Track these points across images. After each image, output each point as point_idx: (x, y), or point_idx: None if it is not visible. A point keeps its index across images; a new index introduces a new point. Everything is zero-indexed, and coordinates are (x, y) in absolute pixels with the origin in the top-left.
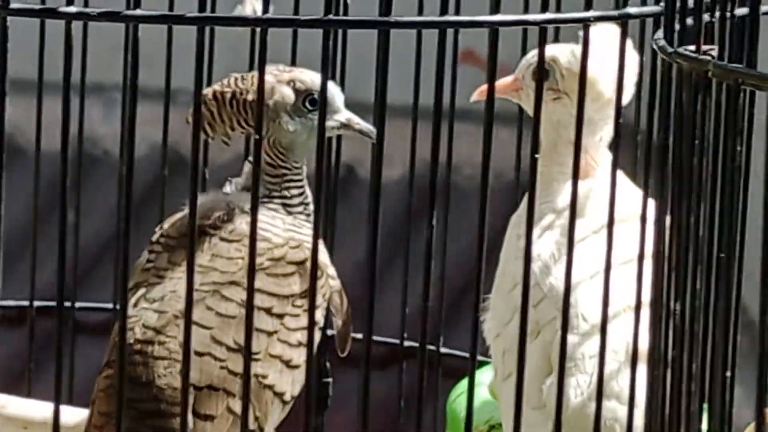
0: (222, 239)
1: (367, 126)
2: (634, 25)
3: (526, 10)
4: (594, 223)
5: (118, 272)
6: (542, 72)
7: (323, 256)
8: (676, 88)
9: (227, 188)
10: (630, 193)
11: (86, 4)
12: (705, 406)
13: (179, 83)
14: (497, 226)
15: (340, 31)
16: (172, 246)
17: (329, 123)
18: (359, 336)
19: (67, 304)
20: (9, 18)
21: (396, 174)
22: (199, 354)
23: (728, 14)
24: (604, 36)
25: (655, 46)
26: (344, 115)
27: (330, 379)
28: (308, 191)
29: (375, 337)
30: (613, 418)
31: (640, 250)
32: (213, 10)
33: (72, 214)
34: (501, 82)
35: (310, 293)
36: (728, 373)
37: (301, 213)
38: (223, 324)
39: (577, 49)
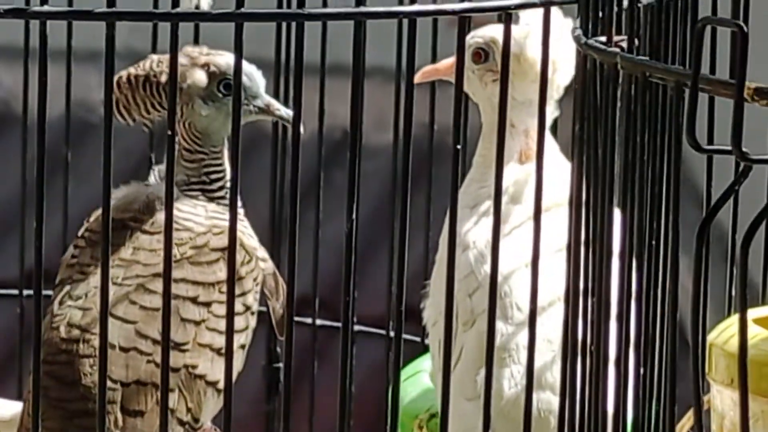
0: (143, 231)
1: (287, 111)
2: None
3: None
4: (531, 209)
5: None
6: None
7: (251, 240)
8: (589, 78)
9: (150, 177)
10: (569, 177)
11: None
12: None
13: None
14: None
15: None
16: (95, 241)
17: (246, 107)
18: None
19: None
20: None
21: (389, 137)
22: (125, 349)
23: (637, 4)
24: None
25: (571, 37)
26: (263, 100)
27: (280, 364)
28: (229, 175)
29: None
30: (547, 410)
31: (570, 237)
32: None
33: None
34: (442, 64)
35: (229, 279)
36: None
37: (222, 198)
38: (148, 317)
39: (517, 30)
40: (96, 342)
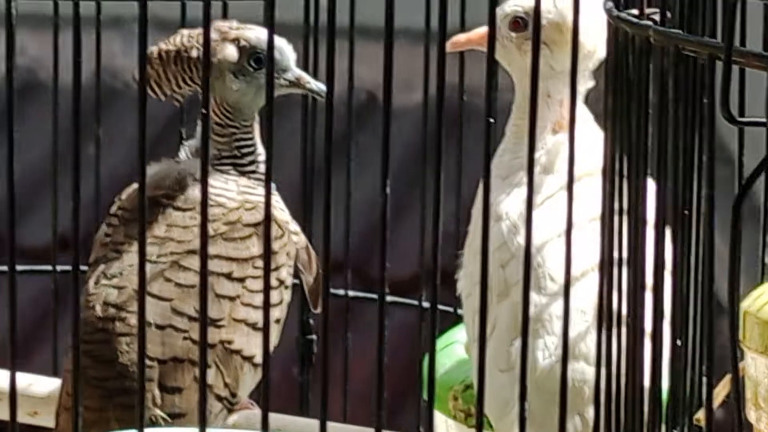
0: (176, 208)
1: (318, 84)
2: None
3: None
4: (564, 179)
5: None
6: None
7: (283, 214)
8: (621, 51)
9: (181, 153)
10: (602, 147)
11: None
12: None
13: None
14: None
15: None
16: (127, 219)
17: (277, 81)
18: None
19: None
20: None
21: (415, 99)
22: (161, 327)
23: None
24: None
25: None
26: (294, 73)
27: (314, 336)
28: (261, 149)
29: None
30: (581, 380)
31: (604, 208)
32: None
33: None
34: (475, 33)
35: (266, 254)
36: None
37: (254, 172)
38: (183, 294)
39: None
40: (132, 320)
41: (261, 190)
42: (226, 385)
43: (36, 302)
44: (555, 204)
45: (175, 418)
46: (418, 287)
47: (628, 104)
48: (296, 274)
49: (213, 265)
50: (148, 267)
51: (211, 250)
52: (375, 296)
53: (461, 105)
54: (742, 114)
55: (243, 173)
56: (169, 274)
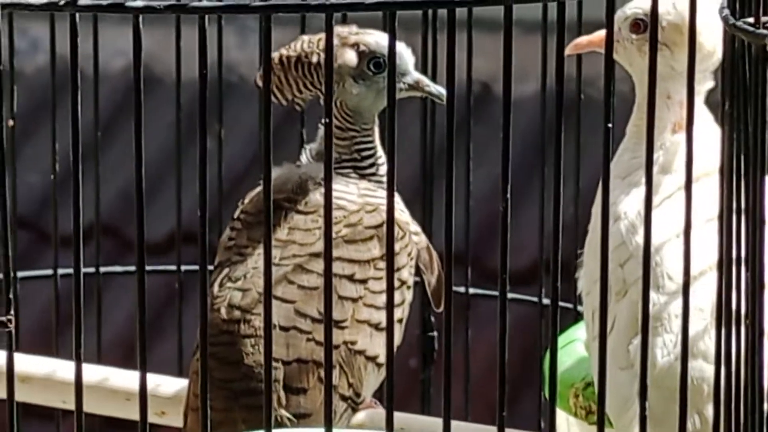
0: (298, 212)
1: (437, 88)
2: None
3: None
4: (682, 179)
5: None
6: (611, 35)
7: (403, 215)
8: (737, 58)
9: (302, 157)
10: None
11: None
12: None
13: None
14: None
15: None
16: (250, 222)
17: (397, 85)
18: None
19: None
20: None
21: (530, 89)
22: (285, 329)
23: None
24: None
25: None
26: (413, 77)
27: (435, 333)
28: (381, 152)
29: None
30: (700, 378)
31: (722, 206)
32: None
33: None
34: (596, 35)
35: (388, 255)
36: None
37: (374, 175)
38: (306, 296)
39: (680, 1)
40: (257, 322)
41: (381, 193)
42: (350, 385)
43: (157, 299)
44: (673, 204)
45: (301, 418)
46: (536, 277)
47: (745, 110)
48: (418, 272)
49: (335, 268)
50: (272, 269)
51: (334, 252)
52: (495, 293)
53: (579, 97)
54: None
55: (363, 176)
56: (292, 277)
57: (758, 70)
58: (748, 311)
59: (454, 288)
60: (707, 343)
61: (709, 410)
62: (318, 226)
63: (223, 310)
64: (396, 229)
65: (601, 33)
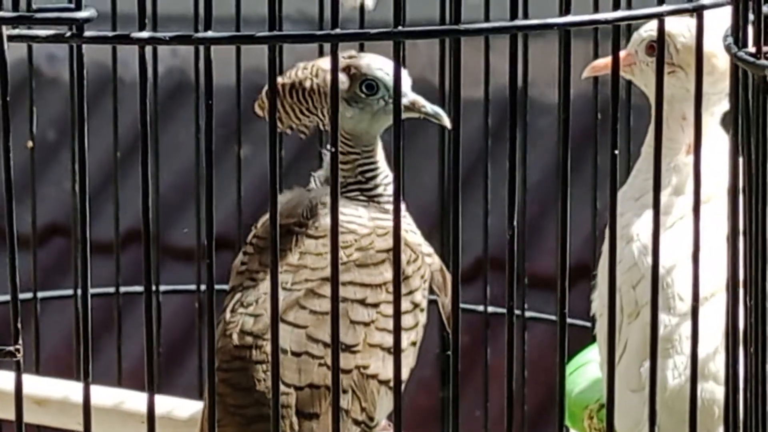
0: (308, 236)
1: (434, 108)
2: None
3: (596, 9)
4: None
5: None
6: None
7: (415, 236)
8: (741, 87)
9: (311, 184)
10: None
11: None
12: None
13: None
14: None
15: None
16: (262, 247)
17: (392, 107)
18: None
19: None
20: None
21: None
22: (297, 354)
23: None
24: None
25: (723, 45)
26: (409, 97)
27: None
28: (387, 171)
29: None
30: (711, 399)
31: (731, 228)
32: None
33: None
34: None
35: (395, 274)
36: None
37: (380, 196)
38: (318, 321)
39: (692, 23)
40: (269, 348)
41: (391, 215)
42: (363, 409)
43: (177, 320)
44: (685, 225)
45: None
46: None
47: (748, 138)
48: (432, 294)
49: (347, 292)
50: (283, 294)
51: (345, 276)
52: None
53: (596, 116)
54: None
55: (370, 197)
56: (304, 302)
57: (759, 99)
58: (752, 334)
59: (474, 306)
60: (718, 365)
61: None
62: (329, 250)
63: (235, 336)
64: (408, 251)
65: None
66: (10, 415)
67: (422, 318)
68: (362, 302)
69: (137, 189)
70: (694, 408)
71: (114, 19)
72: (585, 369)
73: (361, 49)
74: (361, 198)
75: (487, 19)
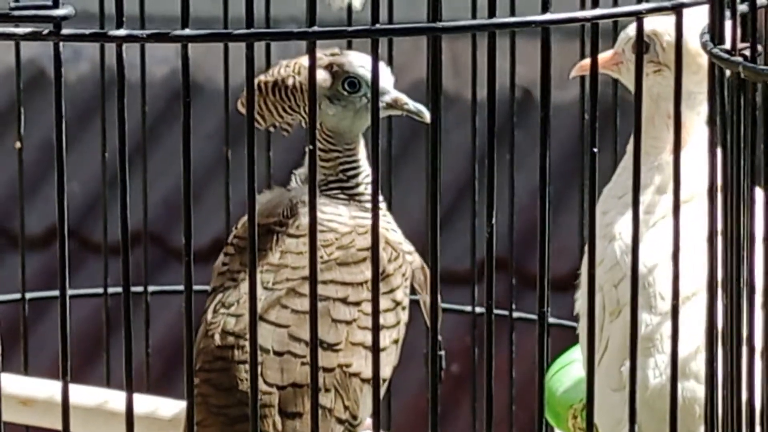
0: (289, 235)
1: (416, 105)
2: None
3: (583, 6)
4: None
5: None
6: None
7: (395, 235)
8: (717, 84)
9: (292, 182)
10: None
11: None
12: None
13: None
14: None
15: None
16: (242, 248)
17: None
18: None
19: None
20: None
21: (570, 95)
22: (279, 353)
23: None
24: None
25: (699, 42)
26: (391, 95)
27: (443, 352)
28: (369, 169)
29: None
30: (692, 398)
31: (710, 228)
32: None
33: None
34: (601, 57)
35: (374, 272)
36: None
37: (361, 194)
38: (300, 320)
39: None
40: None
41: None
42: (346, 408)
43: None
44: (668, 224)
45: None
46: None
47: (723, 135)
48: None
49: (328, 291)
50: (265, 294)
51: (326, 275)
52: (503, 312)
53: (615, 101)
54: None
55: (351, 196)
56: (286, 301)
57: (733, 96)
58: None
59: (462, 307)
60: (699, 364)
61: (701, 431)
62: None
63: (217, 337)
64: (389, 249)
65: (605, 55)
66: None
67: (404, 316)
68: (344, 301)
69: (140, 190)
70: (674, 407)
71: (102, 19)
72: (569, 368)
73: (349, 47)
74: (342, 196)
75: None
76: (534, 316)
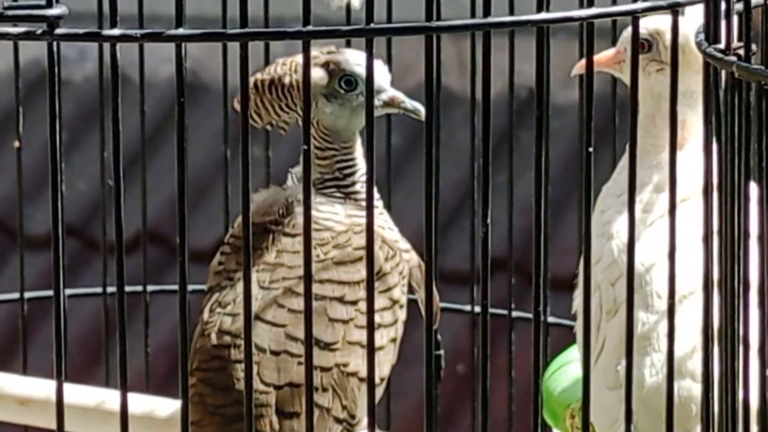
0: (285, 234)
1: (413, 104)
2: None
3: (581, 5)
4: (677, 198)
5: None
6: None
7: (392, 233)
8: (713, 83)
9: (288, 181)
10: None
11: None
12: None
13: None
14: None
15: None
16: (238, 247)
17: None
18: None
19: None
20: None
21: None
22: (275, 353)
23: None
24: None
25: (694, 41)
26: (388, 93)
27: (441, 352)
28: (365, 168)
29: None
30: (688, 397)
31: (705, 227)
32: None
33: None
34: (602, 56)
35: (368, 270)
36: None
37: (357, 193)
38: (296, 320)
39: (681, 20)
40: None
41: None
42: (344, 407)
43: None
44: (666, 223)
45: None
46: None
47: (718, 134)
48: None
49: (325, 290)
50: (261, 293)
51: (323, 274)
52: (502, 311)
53: (614, 100)
54: None
55: (347, 194)
56: (282, 300)
57: (728, 95)
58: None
59: (461, 306)
60: (695, 363)
61: (697, 430)
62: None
63: (213, 336)
64: (386, 248)
65: (607, 53)
66: None
67: (401, 315)
68: (340, 300)
69: (150, 188)
70: (671, 406)
71: (100, 19)
72: (567, 368)
73: (348, 45)
74: (338, 195)
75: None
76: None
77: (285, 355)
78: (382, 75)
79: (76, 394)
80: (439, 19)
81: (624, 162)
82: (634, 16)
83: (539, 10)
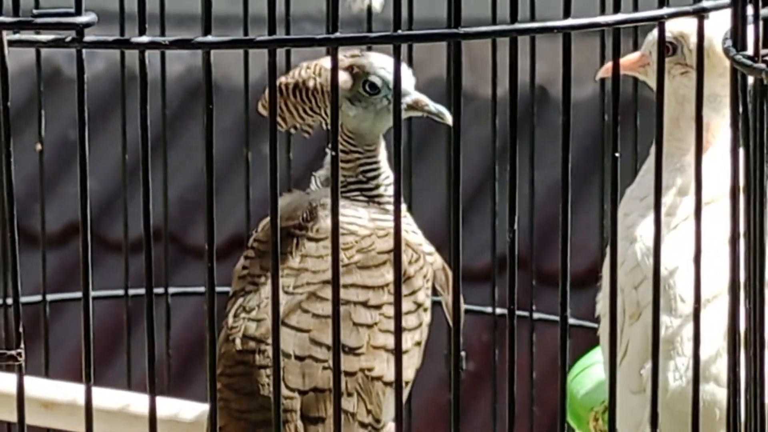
0: (309, 239)
1: (437, 107)
2: None
3: (603, 11)
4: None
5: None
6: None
7: (416, 236)
8: (741, 90)
9: (312, 184)
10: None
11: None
12: None
13: None
14: None
15: None
16: (263, 251)
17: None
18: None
19: None
20: None
21: (587, 91)
22: (300, 358)
23: None
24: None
25: (721, 47)
26: (412, 96)
27: (463, 353)
28: (389, 172)
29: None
30: (712, 401)
31: (733, 230)
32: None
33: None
34: (627, 59)
35: (396, 275)
36: None
37: (380, 196)
38: (321, 324)
39: (706, 23)
40: (272, 352)
41: (392, 216)
42: (369, 411)
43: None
44: (690, 226)
45: None
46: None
47: (746, 140)
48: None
49: (349, 294)
50: (285, 298)
51: (347, 279)
52: (524, 313)
53: (636, 99)
54: None
55: (371, 198)
56: (306, 305)
57: (756, 102)
58: (752, 335)
59: (482, 308)
60: (720, 367)
61: None
62: (330, 252)
63: (238, 341)
64: (409, 251)
65: (631, 57)
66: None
67: (426, 318)
68: (365, 304)
69: (158, 188)
70: (696, 410)
71: (122, 22)
72: (590, 371)
73: (370, 48)
74: (361, 198)
75: (494, 21)
76: (552, 317)
77: (310, 360)
78: (406, 79)
79: (100, 396)
80: (460, 21)
81: (648, 165)
82: (660, 22)
83: (566, 16)
